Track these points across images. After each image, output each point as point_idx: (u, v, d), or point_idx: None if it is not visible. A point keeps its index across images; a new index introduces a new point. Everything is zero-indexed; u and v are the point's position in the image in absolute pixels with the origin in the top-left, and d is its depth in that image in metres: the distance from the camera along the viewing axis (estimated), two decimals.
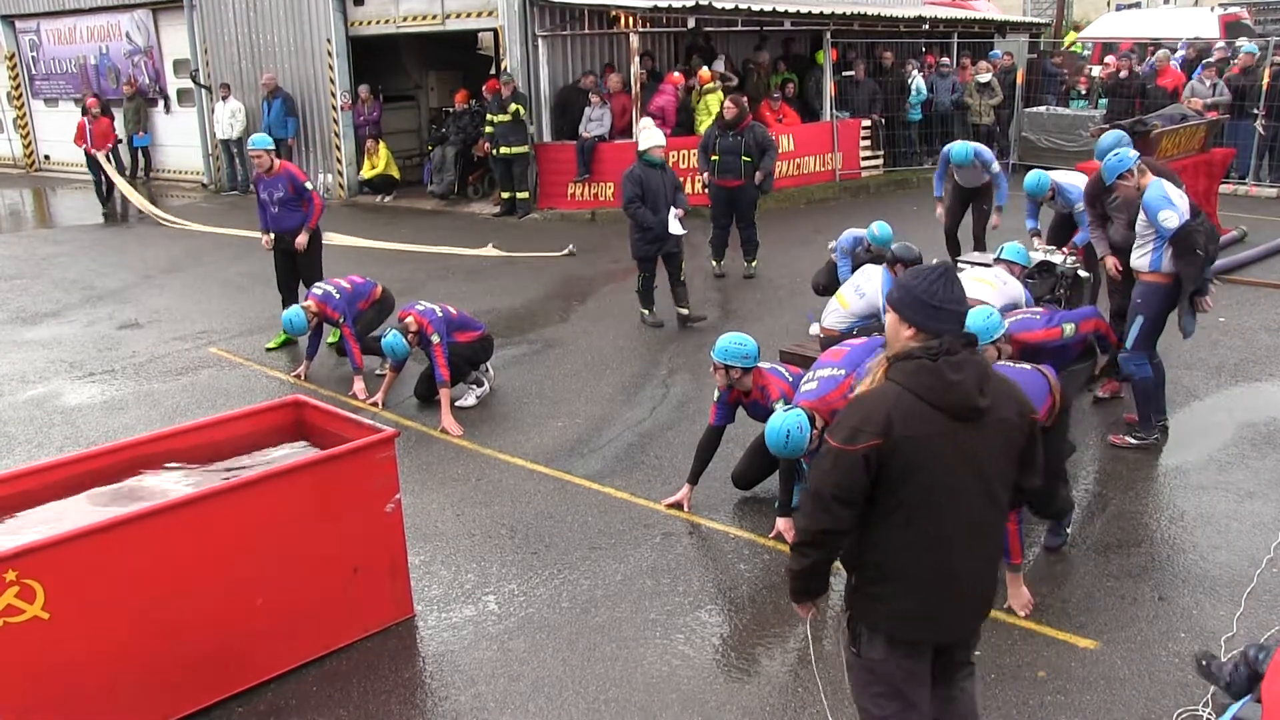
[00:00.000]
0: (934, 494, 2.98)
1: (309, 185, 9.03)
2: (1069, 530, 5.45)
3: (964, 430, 2.96)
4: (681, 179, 9.95)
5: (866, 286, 7.16)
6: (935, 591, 3.08)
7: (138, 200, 16.98)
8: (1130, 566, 5.26)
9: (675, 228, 9.08)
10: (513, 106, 14.04)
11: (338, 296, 8.10)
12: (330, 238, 9.88)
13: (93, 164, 17.50)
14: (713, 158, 10.70)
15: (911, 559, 3.05)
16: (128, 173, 19.60)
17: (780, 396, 5.67)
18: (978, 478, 3.03)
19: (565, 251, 12.52)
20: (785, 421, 5.00)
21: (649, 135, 9.21)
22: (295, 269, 9.18)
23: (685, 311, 9.31)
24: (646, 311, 9.45)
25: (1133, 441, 6.61)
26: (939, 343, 2.97)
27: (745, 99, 11.50)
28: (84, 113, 17.87)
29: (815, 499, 3.03)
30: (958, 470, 2.99)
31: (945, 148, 9.05)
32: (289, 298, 9.22)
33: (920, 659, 3.20)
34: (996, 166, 8.91)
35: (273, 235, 9.13)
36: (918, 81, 16.93)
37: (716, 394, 5.96)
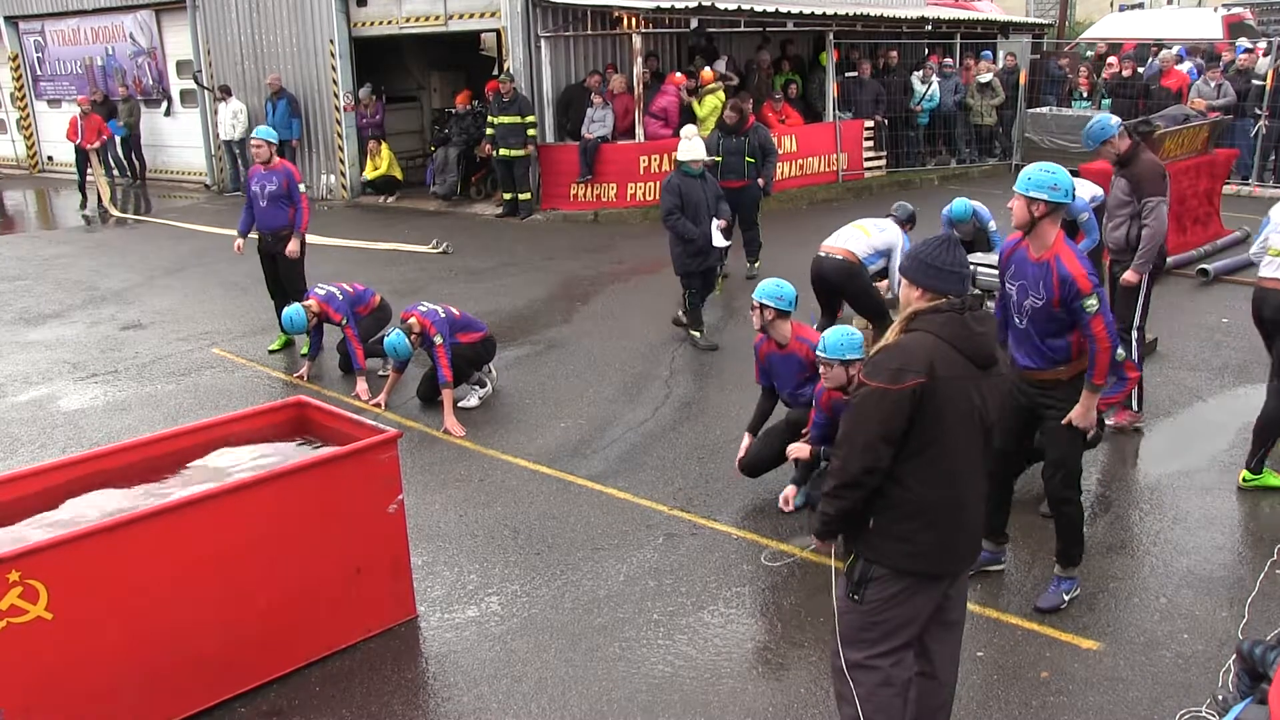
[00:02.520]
0: (954, 432, 3.30)
1: (302, 187, 8.92)
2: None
3: (980, 376, 3.35)
4: None
5: (885, 225, 7.89)
6: (951, 524, 3.37)
7: (105, 195, 17.29)
8: (1133, 568, 5.25)
9: (718, 239, 8.81)
10: (528, 118, 14.02)
11: (340, 298, 8.13)
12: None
13: (81, 162, 17.54)
14: (716, 159, 10.69)
15: (933, 494, 3.33)
16: (128, 175, 19.66)
17: (808, 354, 5.80)
18: (983, 421, 3.39)
19: (440, 249, 12.68)
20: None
21: (689, 147, 8.81)
22: (277, 273, 9.07)
23: (684, 319, 9.19)
24: (698, 334, 8.90)
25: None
26: (962, 300, 3.34)
27: (750, 101, 11.48)
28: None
29: (860, 439, 3.27)
30: (973, 412, 3.34)
31: (946, 209, 8.95)
32: (281, 302, 9.17)
33: (931, 593, 3.43)
34: (994, 225, 8.85)
35: (247, 238, 9.07)
36: (933, 87, 16.92)
37: (754, 351, 6.19)
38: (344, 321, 8.03)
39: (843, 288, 7.73)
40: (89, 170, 17.61)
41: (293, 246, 8.90)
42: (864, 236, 7.81)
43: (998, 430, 3.49)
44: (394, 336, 7.44)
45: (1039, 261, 4.59)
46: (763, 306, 5.96)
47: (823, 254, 7.82)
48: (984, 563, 5.08)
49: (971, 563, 3.55)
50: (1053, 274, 4.54)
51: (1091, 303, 4.48)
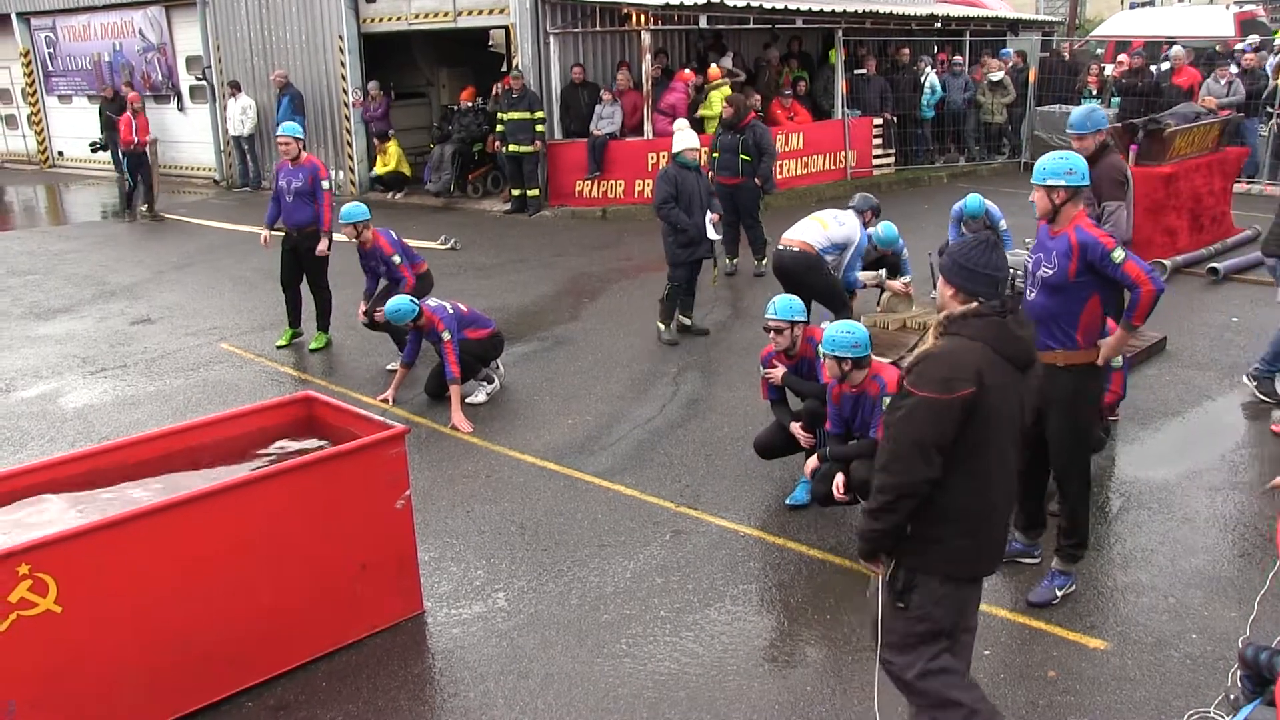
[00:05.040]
0: (995, 436, 3.31)
1: (326, 184, 8.86)
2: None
3: (1019, 379, 3.35)
4: None
5: (845, 219, 7.91)
6: (985, 526, 3.39)
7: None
8: (1141, 567, 5.23)
9: (711, 232, 8.86)
10: (537, 114, 14.06)
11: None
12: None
13: (133, 163, 16.10)
14: (713, 155, 10.67)
15: (969, 498, 3.33)
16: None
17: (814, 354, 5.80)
18: (1018, 422, 3.40)
19: (448, 245, 12.72)
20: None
21: (683, 137, 8.94)
22: (300, 266, 9.05)
23: (688, 321, 9.18)
24: (663, 326, 8.97)
25: None
26: (1001, 302, 3.33)
27: (756, 97, 11.46)
28: (122, 109, 17.56)
29: (914, 449, 3.22)
30: (1012, 415, 3.35)
31: (958, 204, 8.89)
32: (293, 296, 9.19)
33: (969, 595, 3.51)
34: (1004, 224, 8.82)
35: (273, 232, 9.07)
36: (932, 79, 16.89)
37: (760, 367, 6.12)
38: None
39: (800, 280, 7.70)
40: (149, 170, 16.24)
41: (322, 246, 8.87)
42: (821, 229, 7.84)
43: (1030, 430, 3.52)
44: (398, 300, 7.41)
45: (1056, 235, 4.69)
46: (793, 324, 5.91)
47: (781, 246, 7.89)
48: (1015, 553, 5.16)
49: (999, 564, 3.58)
50: (1069, 242, 4.59)
51: (1118, 254, 4.55)
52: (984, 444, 3.27)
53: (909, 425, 3.23)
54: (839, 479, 5.45)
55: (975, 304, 3.33)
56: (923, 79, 16.90)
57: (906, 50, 17.10)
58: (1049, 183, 4.65)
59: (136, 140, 15.92)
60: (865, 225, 8.15)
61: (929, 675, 3.44)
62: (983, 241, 3.42)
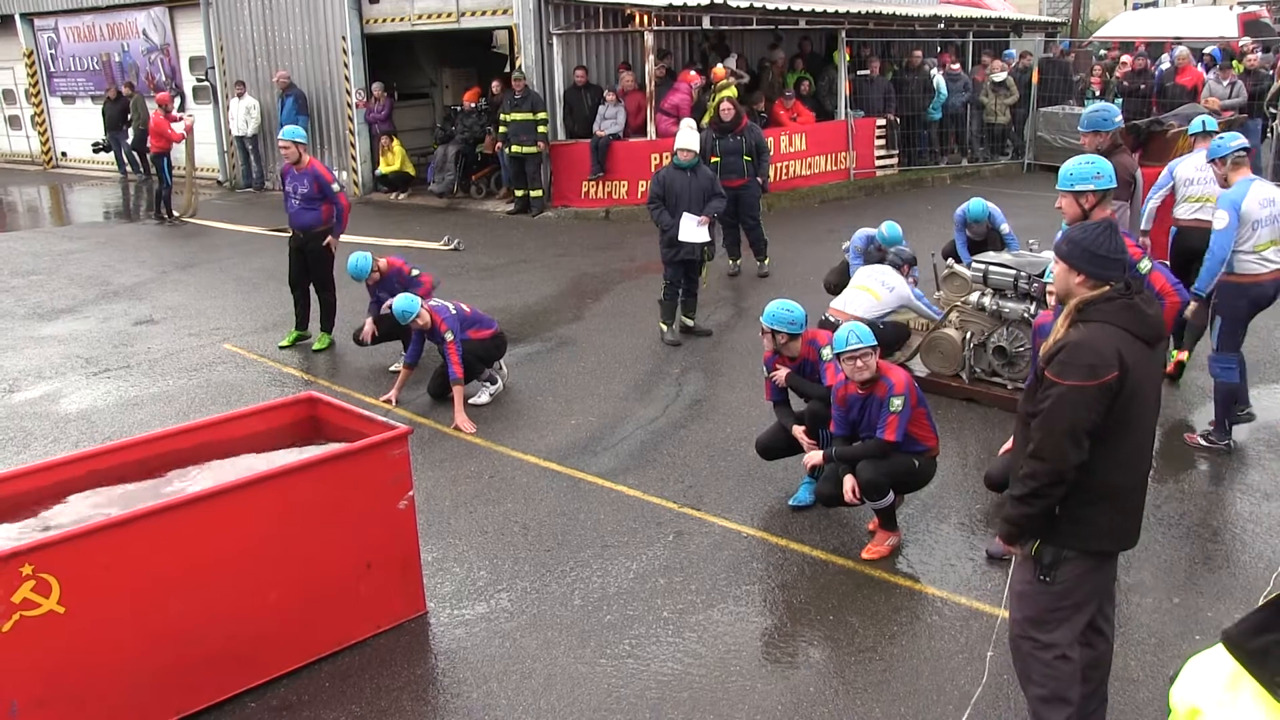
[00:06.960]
0: (1137, 414, 3.40)
1: (336, 186, 8.85)
2: None
3: (1152, 355, 3.43)
4: None
5: (892, 281, 7.64)
6: (1130, 503, 3.51)
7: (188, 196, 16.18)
8: (1145, 567, 5.23)
9: (687, 234, 8.71)
10: (540, 114, 14.08)
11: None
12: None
13: (169, 163, 15.81)
14: (714, 159, 10.64)
15: (1117, 475, 3.42)
16: (141, 172, 19.66)
17: (829, 342, 5.71)
18: (1156, 396, 3.52)
19: (451, 246, 12.73)
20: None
21: (680, 136, 9.00)
22: (307, 267, 9.08)
23: (690, 322, 9.19)
24: (665, 327, 9.00)
25: (1202, 443, 6.51)
26: (1125, 284, 3.40)
27: (762, 100, 11.49)
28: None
29: (1065, 436, 3.31)
30: (1151, 390, 3.46)
31: (960, 208, 8.87)
32: (301, 297, 9.21)
33: (1111, 568, 3.64)
34: (1007, 227, 8.80)
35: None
36: (937, 79, 16.88)
37: (764, 369, 6.08)
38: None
39: None
40: (177, 169, 16.10)
41: (332, 242, 8.97)
42: (874, 300, 7.47)
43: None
44: (402, 298, 7.39)
45: None
46: (775, 332, 5.88)
47: (831, 317, 7.41)
48: None
49: (1138, 537, 3.62)
50: None
51: (1144, 264, 4.59)
52: (1128, 422, 3.36)
53: (1059, 413, 3.32)
54: (849, 482, 5.41)
55: (1106, 288, 3.38)
56: (932, 80, 16.87)
57: (919, 52, 17.05)
58: (1077, 188, 4.65)
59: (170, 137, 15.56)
60: (905, 277, 7.98)
61: (1066, 660, 3.56)
62: (1106, 227, 3.46)
